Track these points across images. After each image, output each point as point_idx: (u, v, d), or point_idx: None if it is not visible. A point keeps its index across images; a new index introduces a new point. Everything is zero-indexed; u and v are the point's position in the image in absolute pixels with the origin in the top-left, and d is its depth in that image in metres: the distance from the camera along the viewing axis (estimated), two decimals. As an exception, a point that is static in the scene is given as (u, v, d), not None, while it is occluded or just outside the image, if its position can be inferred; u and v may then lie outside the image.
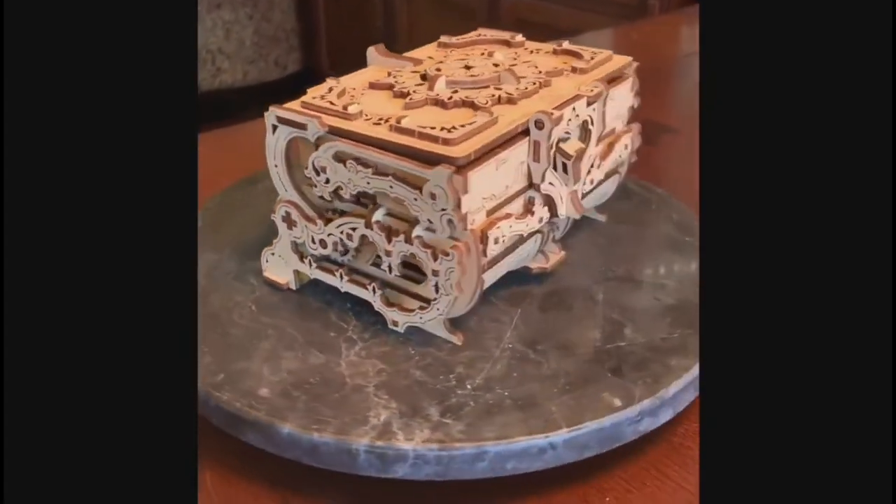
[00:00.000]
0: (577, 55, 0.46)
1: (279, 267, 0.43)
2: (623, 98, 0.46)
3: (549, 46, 0.48)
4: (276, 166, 0.40)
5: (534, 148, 0.38)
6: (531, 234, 0.41)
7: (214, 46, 2.24)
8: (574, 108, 0.39)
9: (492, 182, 0.36)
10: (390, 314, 0.39)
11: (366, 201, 0.39)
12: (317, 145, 0.38)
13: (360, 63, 0.45)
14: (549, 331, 0.40)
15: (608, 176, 0.47)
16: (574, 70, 0.43)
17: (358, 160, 0.37)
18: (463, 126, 0.36)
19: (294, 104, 0.40)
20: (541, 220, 0.40)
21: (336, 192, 0.38)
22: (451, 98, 0.39)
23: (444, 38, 0.49)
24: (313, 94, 0.41)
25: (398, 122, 0.36)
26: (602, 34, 1.16)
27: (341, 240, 0.39)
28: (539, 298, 0.43)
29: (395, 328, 0.40)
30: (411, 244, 0.37)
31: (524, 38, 0.49)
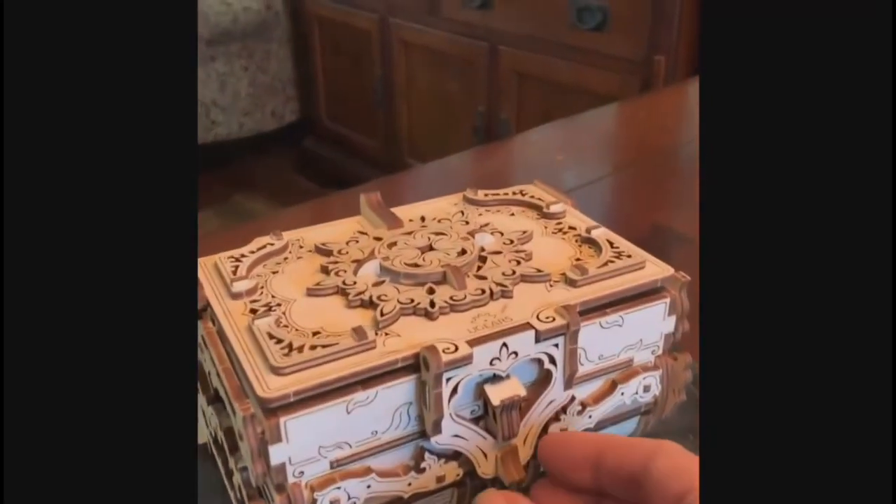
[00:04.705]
0: (598, 251, 0.34)
1: (202, 425, 0.38)
2: (649, 322, 0.33)
3: (585, 225, 0.36)
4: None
5: (420, 390, 0.28)
6: (439, 490, 0.31)
7: (208, 99, 2.17)
8: (506, 345, 0.29)
9: (339, 427, 0.27)
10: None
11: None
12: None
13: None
14: None
15: (617, 419, 0.34)
16: (567, 280, 0.32)
17: (209, 355, 0.30)
18: (315, 348, 0.27)
19: (224, 255, 0.34)
20: (440, 479, 0.30)
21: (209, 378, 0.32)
22: (359, 294, 0.31)
23: (468, 193, 0.40)
24: (251, 246, 0.35)
25: (253, 319, 0.29)
26: (606, 112, 0.97)
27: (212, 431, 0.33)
28: (451, 567, 0.32)
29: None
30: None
31: (566, 208, 0.38)
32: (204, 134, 2.24)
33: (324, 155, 2.30)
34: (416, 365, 0.28)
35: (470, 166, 0.81)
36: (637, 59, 1.40)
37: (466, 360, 0.28)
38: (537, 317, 0.29)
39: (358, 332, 0.28)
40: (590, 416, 0.32)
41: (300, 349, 0.27)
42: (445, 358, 0.27)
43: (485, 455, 0.30)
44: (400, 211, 0.38)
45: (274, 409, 0.26)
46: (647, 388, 0.33)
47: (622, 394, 0.33)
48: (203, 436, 0.38)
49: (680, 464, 0.25)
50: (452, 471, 0.30)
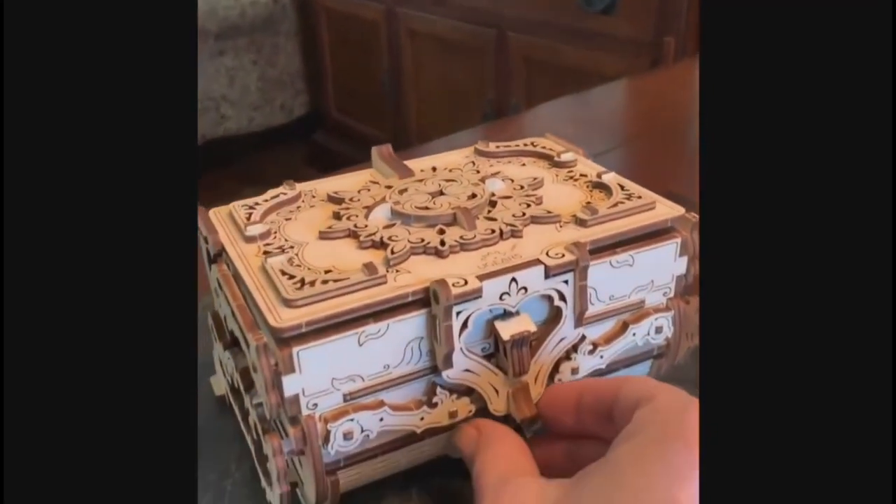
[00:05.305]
0: (609, 194, 0.34)
1: (220, 376, 0.39)
2: (660, 263, 0.33)
3: (596, 171, 0.36)
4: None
5: (431, 324, 0.28)
6: (452, 426, 0.31)
7: (217, 94, 2.17)
8: (515, 280, 0.29)
9: (351, 360, 0.28)
10: (263, 482, 0.33)
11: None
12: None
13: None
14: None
15: (630, 362, 0.34)
16: (577, 221, 0.32)
17: (224, 296, 0.31)
18: (327, 283, 0.28)
19: (238, 203, 0.35)
20: (453, 415, 0.30)
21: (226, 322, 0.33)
22: (370, 235, 0.31)
23: (480, 145, 0.40)
24: (265, 196, 0.35)
25: (266, 258, 0.29)
26: (616, 87, 0.96)
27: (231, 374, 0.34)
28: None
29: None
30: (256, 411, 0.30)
31: (577, 158, 0.38)
32: (213, 129, 2.25)
33: (334, 148, 2.30)
34: (426, 300, 0.28)
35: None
36: (646, 40, 1.39)
37: (476, 293, 0.28)
38: (547, 253, 0.30)
39: (369, 267, 0.28)
40: (601, 357, 0.33)
41: (312, 283, 0.28)
42: (455, 291, 0.27)
43: (496, 391, 0.30)
44: (411, 163, 0.38)
45: (286, 339, 0.26)
46: (658, 330, 0.34)
47: (634, 334, 0.33)
48: (220, 388, 0.39)
49: (639, 386, 0.26)
50: (465, 406, 0.30)
